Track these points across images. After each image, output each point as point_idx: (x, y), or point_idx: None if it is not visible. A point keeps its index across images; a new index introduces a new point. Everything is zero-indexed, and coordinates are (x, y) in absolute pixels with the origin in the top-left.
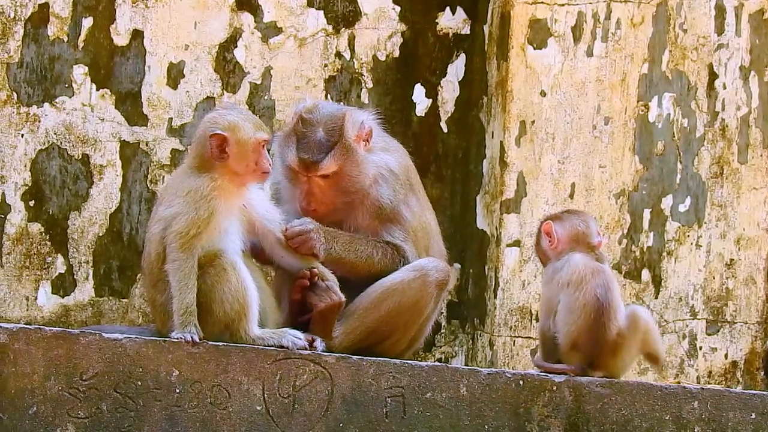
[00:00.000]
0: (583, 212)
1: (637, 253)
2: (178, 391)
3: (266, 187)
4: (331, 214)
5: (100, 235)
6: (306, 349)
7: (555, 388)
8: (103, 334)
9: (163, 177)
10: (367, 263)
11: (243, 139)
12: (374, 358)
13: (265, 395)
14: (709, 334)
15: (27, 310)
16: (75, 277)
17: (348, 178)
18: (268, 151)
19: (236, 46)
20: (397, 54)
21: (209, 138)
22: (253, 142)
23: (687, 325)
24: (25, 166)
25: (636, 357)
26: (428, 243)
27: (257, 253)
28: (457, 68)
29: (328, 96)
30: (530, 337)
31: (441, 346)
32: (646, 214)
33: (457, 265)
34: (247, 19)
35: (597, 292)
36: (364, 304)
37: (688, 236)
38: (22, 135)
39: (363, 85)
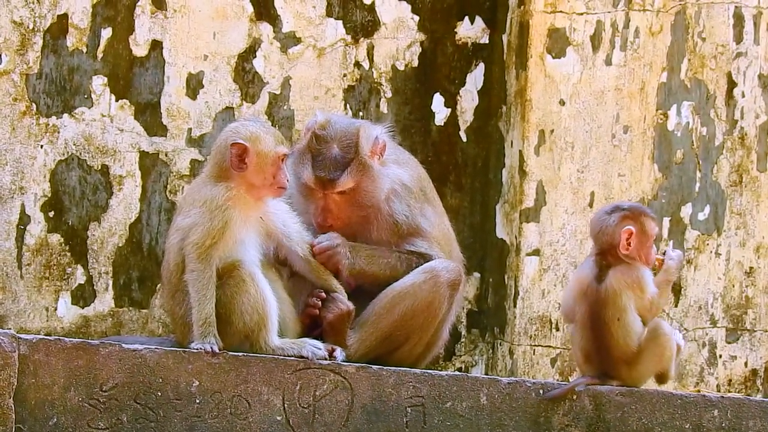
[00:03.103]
0: (618, 211)
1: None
2: (198, 401)
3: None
4: (346, 228)
5: (120, 245)
6: (326, 359)
7: (575, 397)
8: (123, 345)
9: (183, 187)
10: (392, 275)
11: (263, 151)
12: (394, 368)
13: (285, 405)
14: (729, 343)
15: (47, 321)
16: (95, 287)
17: (364, 193)
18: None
19: (255, 56)
20: (416, 63)
21: (230, 147)
22: (273, 155)
23: (707, 334)
24: (45, 177)
25: (656, 369)
26: (450, 249)
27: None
28: (476, 77)
29: (347, 106)
30: (550, 346)
31: (461, 356)
32: (666, 222)
33: (477, 274)
34: (266, 29)
35: (591, 312)
36: (376, 310)
37: (708, 245)
38: (42, 146)
39: (382, 94)
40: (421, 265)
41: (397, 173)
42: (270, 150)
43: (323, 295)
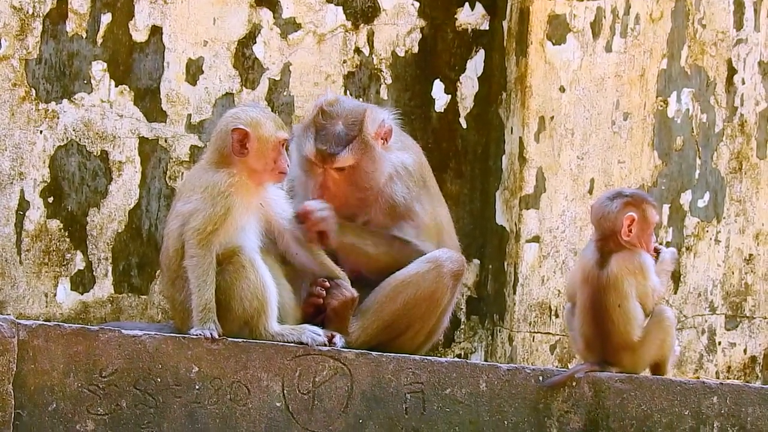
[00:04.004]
0: (621, 196)
1: None
2: (197, 387)
3: (283, 185)
4: (344, 208)
5: (119, 231)
6: (325, 345)
7: (575, 383)
8: (123, 331)
9: (182, 173)
10: (380, 255)
11: (264, 136)
12: (394, 354)
13: (285, 391)
14: (728, 330)
15: (46, 306)
16: (94, 273)
17: (364, 173)
18: (287, 150)
19: (255, 42)
20: (416, 50)
21: (231, 132)
22: (273, 140)
23: (706, 321)
24: (44, 162)
25: (657, 355)
26: (440, 239)
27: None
28: (476, 64)
29: (347, 92)
30: (549, 333)
31: (460, 342)
32: (665, 209)
33: (477, 261)
34: (266, 15)
35: (592, 298)
36: (379, 298)
37: (707, 231)
38: (41, 131)
39: (382, 81)
40: (408, 250)
41: (400, 158)
42: (271, 135)
43: (327, 284)
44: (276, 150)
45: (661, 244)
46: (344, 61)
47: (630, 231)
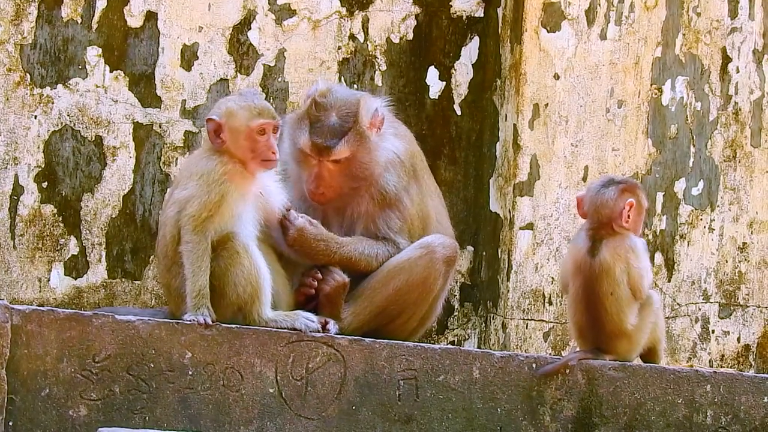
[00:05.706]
0: (612, 184)
1: (650, 237)
2: (190, 373)
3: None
4: (337, 198)
5: (113, 216)
6: (319, 331)
7: (568, 371)
8: (116, 316)
9: (177, 159)
10: (367, 263)
11: (234, 127)
12: (387, 341)
13: (278, 378)
14: (722, 318)
15: (40, 291)
16: (88, 258)
17: (359, 164)
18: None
19: (250, 28)
20: (410, 37)
21: (206, 123)
22: (244, 129)
23: (699, 309)
24: (38, 147)
25: (649, 340)
26: (426, 231)
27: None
28: (470, 51)
29: (342, 78)
30: (543, 320)
31: (454, 329)
32: (659, 197)
33: (470, 248)
34: (260, 0)
35: (585, 287)
36: (372, 284)
37: (701, 220)
38: (36, 116)
39: (377, 67)
40: (393, 250)
41: (394, 145)
42: (242, 125)
43: (319, 275)
44: (250, 139)
45: (654, 232)
46: (339, 48)
47: (628, 217)
